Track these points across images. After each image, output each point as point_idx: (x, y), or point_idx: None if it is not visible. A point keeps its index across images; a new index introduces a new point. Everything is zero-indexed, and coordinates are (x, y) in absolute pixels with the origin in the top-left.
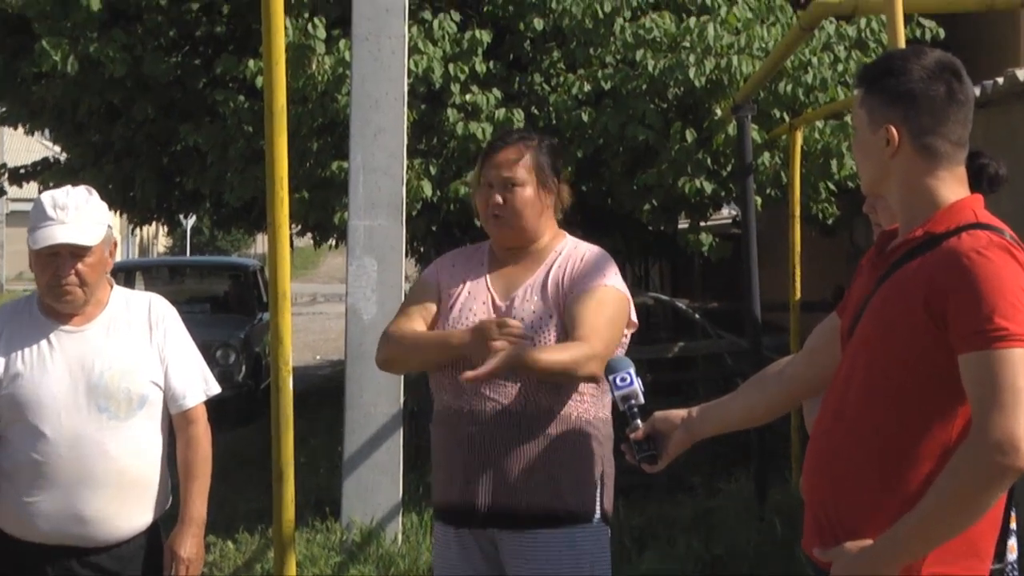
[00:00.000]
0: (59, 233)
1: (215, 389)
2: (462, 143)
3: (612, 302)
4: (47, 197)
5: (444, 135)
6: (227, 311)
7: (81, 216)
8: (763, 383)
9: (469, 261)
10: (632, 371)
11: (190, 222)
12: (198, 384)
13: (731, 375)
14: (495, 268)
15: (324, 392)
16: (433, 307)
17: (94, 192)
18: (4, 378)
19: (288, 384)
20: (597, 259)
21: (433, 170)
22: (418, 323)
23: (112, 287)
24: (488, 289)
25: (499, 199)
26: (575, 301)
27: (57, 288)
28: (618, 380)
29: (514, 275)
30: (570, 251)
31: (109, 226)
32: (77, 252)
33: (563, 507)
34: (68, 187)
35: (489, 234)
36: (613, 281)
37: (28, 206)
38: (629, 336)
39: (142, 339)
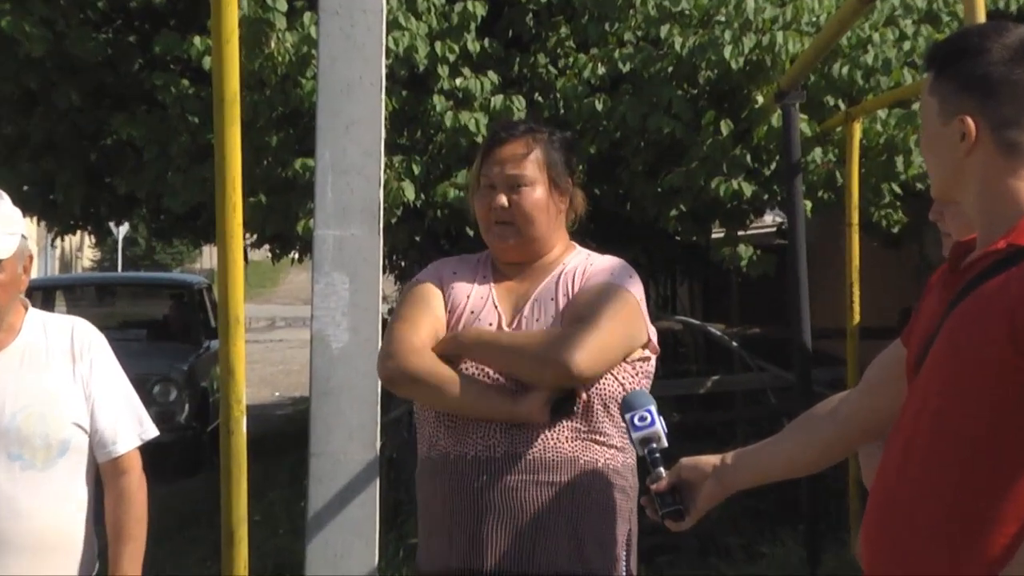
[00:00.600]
0: None
1: (152, 432)
2: (451, 137)
3: (618, 300)
4: None
5: (430, 127)
6: (167, 339)
7: None
8: (812, 424)
9: (471, 272)
10: (653, 409)
11: (122, 231)
12: (131, 427)
13: (775, 415)
14: (501, 282)
15: (284, 436)
16: (443, 319)
17: (5, 196)
18: None
19: (241, 426)
20: (614, 265)
21: (416, 169)
22: (428, 336)
23: (27, 310)
24: (495, 308)
25: (504, 201)
26: (573, 299)
27: None
28: (636, 419)
29: (520, 291)
30: (581, 260)
31: (23, 236)
32: None
33: (586, 572)
34: None
35: (490, 245)
36: (625, 283)
37: None
38: (651, 364)
39: (63, 373)
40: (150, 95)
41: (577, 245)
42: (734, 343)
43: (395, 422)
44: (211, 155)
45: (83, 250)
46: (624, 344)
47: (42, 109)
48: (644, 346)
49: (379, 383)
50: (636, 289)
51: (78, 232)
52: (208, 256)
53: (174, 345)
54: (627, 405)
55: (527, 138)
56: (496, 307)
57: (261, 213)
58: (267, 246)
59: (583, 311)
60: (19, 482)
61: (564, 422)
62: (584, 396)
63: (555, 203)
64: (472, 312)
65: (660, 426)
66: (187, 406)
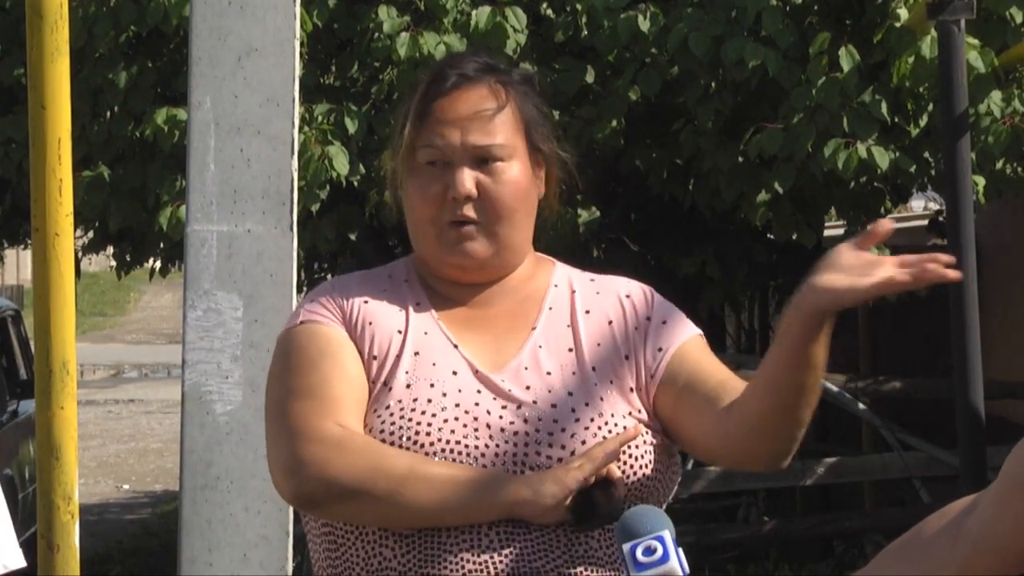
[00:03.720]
0: None
1: (16, 561)
2: (407, 74)
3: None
4: None
5: (373, 58)
6: None
7: None
8: (919, 549)
9: (392, 296)
10: (668, 536)
11: None
12: None
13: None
14: (444, 310)
15: (140, 554)
16: (363, 381)
17: None
18: None
19: (72, 538)
20: (659, 298)
21: (351, 127)
22: (350, 413)
23: None
24: (456, 348)
25: (469, 186)
26: (685, 356)
27: None
28: (641, 552)
29: (484, 321)
30: (578, 279)
31: None
32: None
33: None
34: None
35: (434, 257)
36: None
37: None
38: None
39: None
40: None
41: (544, 256)
42: (861, 404)
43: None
44: (17, 102)
45: None
46: None
47: None
48: None
49: None
50: None
51: None
52: (14, 266)
53: None
54: (626, 529)
55: (489, 80)
56: (456, 348)
57: (101, 197)
58: (110, 249)
59: (720, 372)
60: None
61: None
62: (621, 491)
63: (536, 185)
64: (417, 355)
65: (678, 561)
66: None
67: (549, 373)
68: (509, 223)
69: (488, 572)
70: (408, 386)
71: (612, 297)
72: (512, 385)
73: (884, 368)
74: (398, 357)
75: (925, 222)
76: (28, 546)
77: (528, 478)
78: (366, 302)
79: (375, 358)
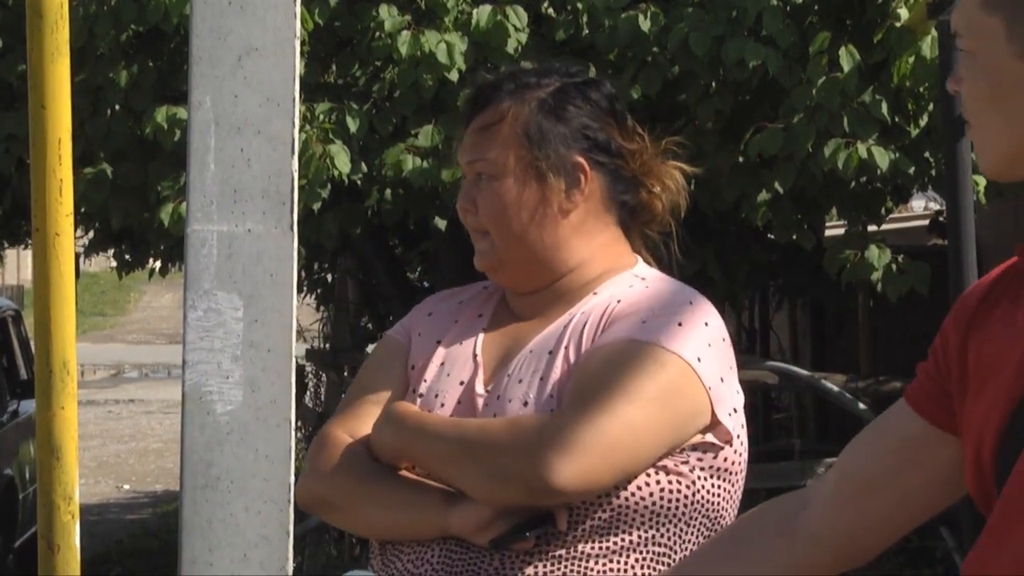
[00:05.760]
0: None
1: None
2: (408, 72)
3: (643, 367)
4: None
5: (374, 57)
6: None
7: None
8: (754, 546)
9: (461, 309)
10: None
11: None
12: None
13: (930, 524)
14: (504, 324)
15: (140, 554)
16: (402, 387)
17: None
18: None
19: (73, 538)
20: (659, 300)
21: (353, 125)
22: (369, 427)
23: None
24: (474, 359)
25: (462, 203)
26: (580, 363)
27: None
28: None
29: (520, 334)
30: (619, 291)
31: None
32: None
33: None
34: None
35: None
36: (665, 336)
37: None
38: (721, 458)
39: None
40: None
41: (639, 259)
42: (861, 404)
43: (317, 532)
44: (18, 99)
45: None
46: (654, 439)
47: None
48: (707, 430)
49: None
50: (693, 343)
51: None
52: (15, 266)
53: None
54: None
55: (503, 95)
56: (475, 358)
57: (101, 195)
58: (111, 250)
59: (585, 386)
60: None
61: (588, 537)
62: (562, 523)
63: (548, 196)
64: (443, 365)
65: None
66: None
67: (520, 382)
68: (503, 236)
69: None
70: (421, 395)
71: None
72: (490, 401)
73: (884, 368)
74: (425, 367)
75: (926, 222)
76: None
77: (455, 504)
78: (430, 314)
79: (413, 367)
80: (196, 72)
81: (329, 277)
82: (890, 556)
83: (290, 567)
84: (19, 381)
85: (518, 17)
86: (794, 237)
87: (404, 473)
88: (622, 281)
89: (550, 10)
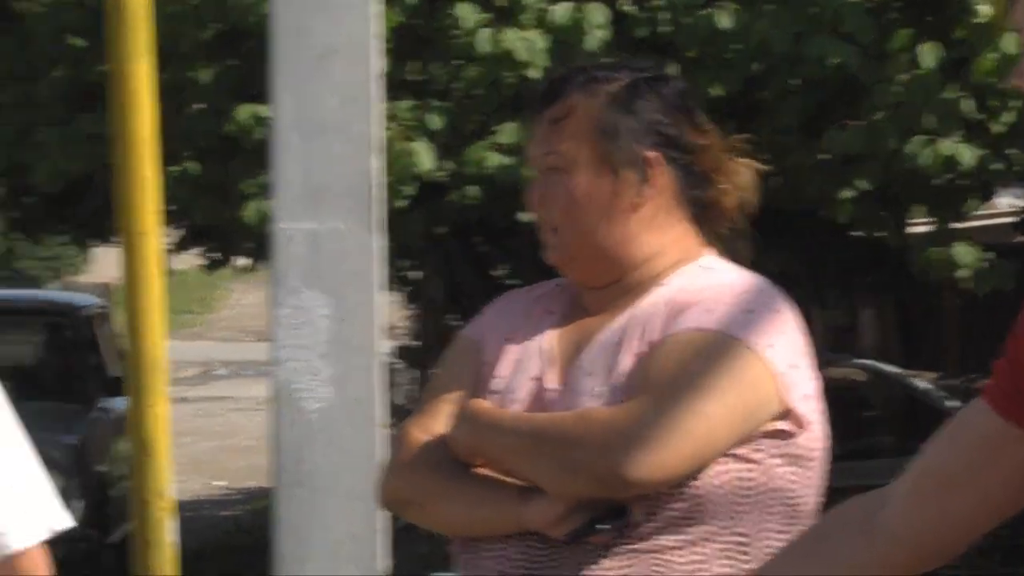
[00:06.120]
0: None
1: (64, 521)
2: (489, 69)
3: (717, 361)
4: None
5: (455, 55)
6: (43, 395)
7: None
8: (835, 542)
9: (533, 306)
10: None
11: None
12: (34, 511)
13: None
14: (574, 319)
15: (231, 550)
16: (475, 384)
17: None
18: None
19: (166, 535)
20: (728, 293)
21: (435, 123)
22: (442, 421)
23: None
24: (546, 354)
25: (531, 197)
26: (648, 357)
27: None
28: None
29: (591, 329)
30: (687, 282)
31: None
32: None
33: None
34: None
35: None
36: (739, 328)
37: None
38: (794, 445)
39: None
40: (3, 4)
41: (708, 251)
42: (952, 402)
43: (409, 530)
44: (102, 100)
45: None
46: (726, 427)
47: None
48: (780, 416)
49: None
50: (762, 330)
51: None
52: (103, 263)
53: (52, 406)
54: None
55: (573, 92)
56: (546, 353)
57: (188, 193)
58: (198, 248)
59: (655, 377)
60: None
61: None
62: (637, 515)
63: (619, 191)
64: (516, 362)
65: None
66: (77, 503)
67: (590, 375)
68: (573, 231)
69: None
70: (495, 392)
71: (682, 298)
72: (561, 395)
73: (975, 365)
74: (499, 364)
75: (1012, 219)
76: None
77: (529, 498)
78: (503, 312)
79: (487, 365)
80: (276, 71)
81: (418, 275)
82: (982, 553)
83: (381, 565)
84: (109, 379)
85: (598, 15)
86: (879, 235)
87: (480, 470)
88: (690, 272)
89: (630, 6)
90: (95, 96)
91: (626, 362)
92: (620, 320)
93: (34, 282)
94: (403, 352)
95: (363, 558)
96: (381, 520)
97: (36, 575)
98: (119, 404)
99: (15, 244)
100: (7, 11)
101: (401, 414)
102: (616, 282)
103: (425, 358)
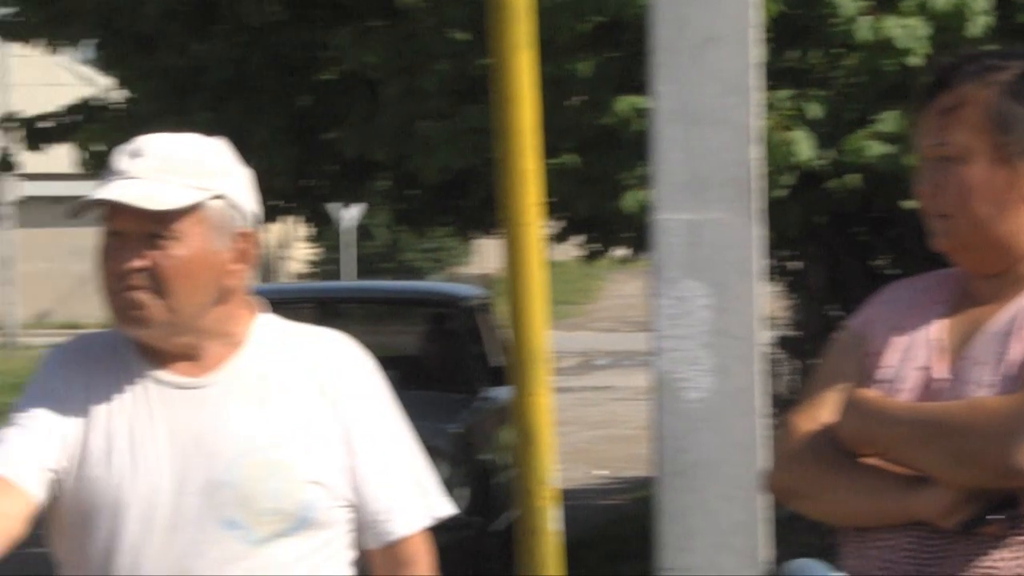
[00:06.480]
0: (116, 189)
1: (444, 508)
2: (869, 57)
3: None
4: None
5: (834, 43)
6: (427, 384)
7: (168, 165)
8: None
9: (919, 297)
10: None
11: (350, 216)
12: (415, 496)
13: None
14: (962, 308)
15: (613, 539)
16: (860, 382)
17: (209, 143)
18: (71, 466)
19: (548, 523)
20: None
21: (815, 111)
22: (831, 418)
23: (254, 315)
24: (934, 344)
25: (923, 186)
26: None
27: (117, 296)
28: None
29: (978, 319)
30: None
31: (228, 197)
32: (146, 227)
33: None
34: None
35: None
36: None
37: (54, 186)
38: None
39: (308, 408)
40: (387, 1)
41: None
42: None
43: (792, 520)
44: (485, 93)
45: (289, 246)
46: None
47: (224, 28)
48: None
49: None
50: None
51: (282, 219)
52: (486, 254)
53: (436, 395)
54: None
55: (965, 81)
56: (934, 343)
57: (568, 185)
58: (575, 238)
59: None
60: (235, 562)
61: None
62: None
63: (1015, 182)
64: (902, 352)
65: None
66: (466, 491)
67: (980, 364)
68: (967, 220)
69: (894, 570)
70: (881, 382)
71: None
72: (951, 385)
73: None
74: (884, 354)
75: None
76: (506, 536)
77: (916, 488)
78: (888, 302)
79: (872, 355)
80: (656, 62)
81: (798, 265)
82: None
83: (764, 554)
84: (490, 369)
85: (981, 0)
86: None
87: (866, 459)
88: None
89: None
90: (478, 90)
91: (1017, 351)
92: (1010, 309)
93: (418, 274)
94: (784, 342)
95: (746, 548)
96: (764, 509)
97: (419, 560)
98: (501, 394)
99: (399, 237)
100: (391, 6)
101: (783, 404)
102: (1005, 272)
103: (806, 348)
